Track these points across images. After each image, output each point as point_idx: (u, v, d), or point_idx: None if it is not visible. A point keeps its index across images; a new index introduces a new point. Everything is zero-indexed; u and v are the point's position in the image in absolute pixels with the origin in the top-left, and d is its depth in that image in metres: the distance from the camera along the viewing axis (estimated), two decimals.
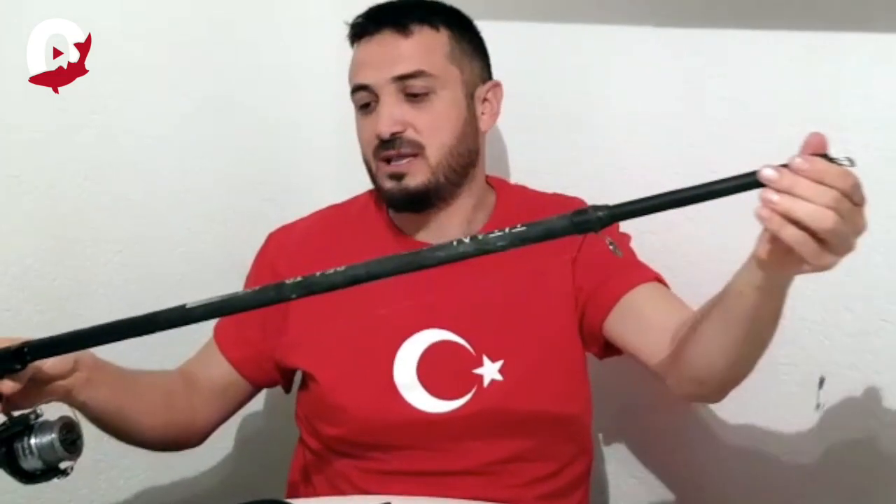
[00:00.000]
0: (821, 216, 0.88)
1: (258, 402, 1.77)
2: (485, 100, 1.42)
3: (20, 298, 1.54)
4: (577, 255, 1.37)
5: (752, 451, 1.49)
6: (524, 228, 0.93)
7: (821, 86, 1.34)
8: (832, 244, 0.90)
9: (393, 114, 1.34)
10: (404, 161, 1.35)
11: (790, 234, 0.89)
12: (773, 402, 1.44)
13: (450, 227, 1.40)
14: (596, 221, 0.91)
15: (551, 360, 1.37)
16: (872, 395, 1.35)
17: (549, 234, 0.93)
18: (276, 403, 1.67)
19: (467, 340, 1.36)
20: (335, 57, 1.82)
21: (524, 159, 1.66)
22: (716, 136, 1.45)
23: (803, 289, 1.33)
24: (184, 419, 1.42)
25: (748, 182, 0.90)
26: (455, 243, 0.94)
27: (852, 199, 0.90)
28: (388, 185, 1.37)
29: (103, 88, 1.58)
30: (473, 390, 1.34)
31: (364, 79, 1.37)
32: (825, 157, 0.90)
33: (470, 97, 1.40)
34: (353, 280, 0.97)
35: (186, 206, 1.73)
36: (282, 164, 1.87)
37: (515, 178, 1.63)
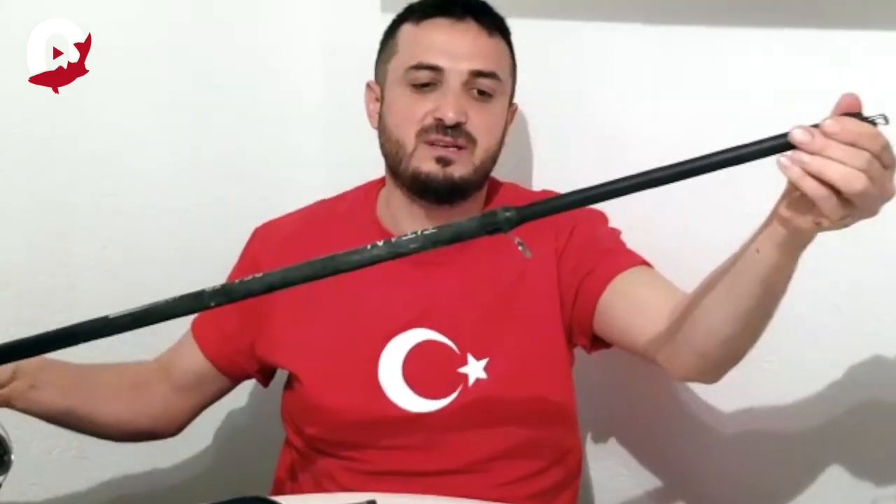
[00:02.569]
0: (853, 178, 0.88)
1: (247, 400, 1.78)
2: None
3: (4, 295, 1.54)
4: (564, 247, 1.37)
5: (740, 446, 1.50)
6: (435, 231, 0.94)
7: (821, 84, 1.34)
8: (858, 205, 0.90)
9: (461, 103, 1.34)
10: (456, 151, 1.34)
11: (811, 186, 0.89)
12: (758, 396, 1.45)
13: (447, 220, 1.39)
14: (504, 222, 0.92)
15: (536, 357, 1.37)
16: (856, 390, 1.36)
17: (459, 236, 0.95)
18: (265, 401, 1.67)
19: (452, 339, 1.36)
20: (320, 49, 1.85)
21: (514, 158, 1.66)
22: (712, 131, 1.45)
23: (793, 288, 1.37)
24: (156, 409, 1.45)
25: (778, 144, 0.89)
26: (369, 247, 0.95)
27: (882, 161, 0.89)
28: (431, 167, 1.34)
29: (86, 84, 1.57)
30: (459, 389, 1.34)
31: (438, 60, 1.35)
32: (858, 115, 0.90)
33: (506, 111, 1.42)
34: (269, 287, 0.97)
35: (171, 202, 1.73)
36: (267, 158, 1.86)
37: (506, 174, 1.63)
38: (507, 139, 1.43)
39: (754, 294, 1.08)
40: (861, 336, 1.35)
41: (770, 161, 0.91)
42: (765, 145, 0.90)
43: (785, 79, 1.38)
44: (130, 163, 1.67)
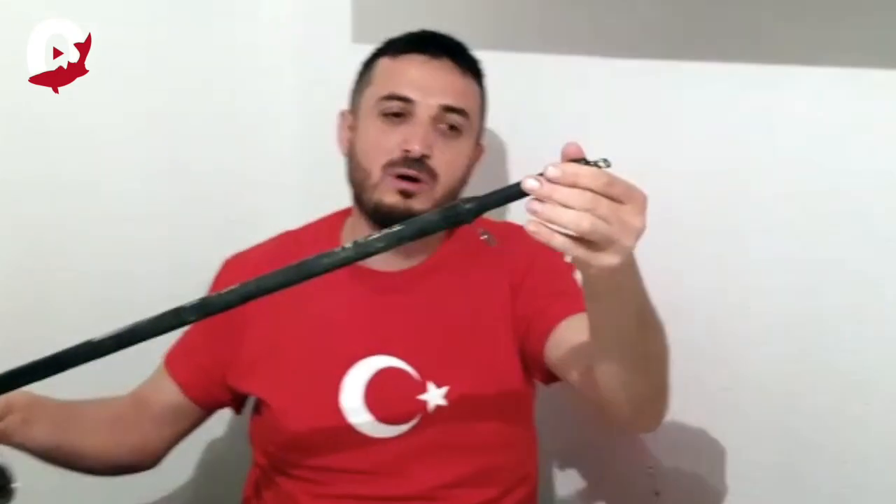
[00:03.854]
0: (579, 219, 0.88)
1: (219, 423, 1.80)
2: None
3: None
4: (521, 281, 1.40)
5: (698, 474, 1.52)
6: (401, 227, 0.95)
7: (774, 117, 1.38)
8: (600, 244, 0.91)
9: (429, 137, 1.38)
10: (417, 184, 1.37)
11: (559, 242, 0.90)
12: (715, 423, 1.48)
13: (410, 254, 1.44)
14: (466, 213, 0.93)
15: (495, 386, 1.39)
16: (806, 420, 1.39)
17: (424, 230, 0.95)
18: (236, 424, 1.69)
19: (413, 367, 1.38)
20: (293, 78, 1.88)
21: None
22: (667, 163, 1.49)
23: (745, 312, 1.40)
24: (134, 442, 1.46)
25: (514, 192, 0.91)
26: (339, 249, 0.96)
27: (611, 197, 0.90)
28: (392, 199, 1.37)
29: (64, 101, 1.59)
30: (419, 416, 1.37)
31: (410, 93, 1.39)
32: (582, 160, 0.91)
33: (472, 150, 1.45)
34: (245, 297, 0.99)
35: (150, 220, 1.76)
36: (242, 183, 1.89)
37: None
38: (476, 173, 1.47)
39: (606, 339, 1.10)
40: (815, 361, 1.38)
41: None
42: (504, 194, 0.92)
43: (741, 111, 1.42)
44: (108, 184, 1.70)
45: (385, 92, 1.41)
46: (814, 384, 1.39)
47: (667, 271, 1.46)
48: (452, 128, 1.40)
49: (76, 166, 1.67)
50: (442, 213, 0.94)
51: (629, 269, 0.99)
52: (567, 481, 1.69)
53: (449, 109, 1.40)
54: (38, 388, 1.17)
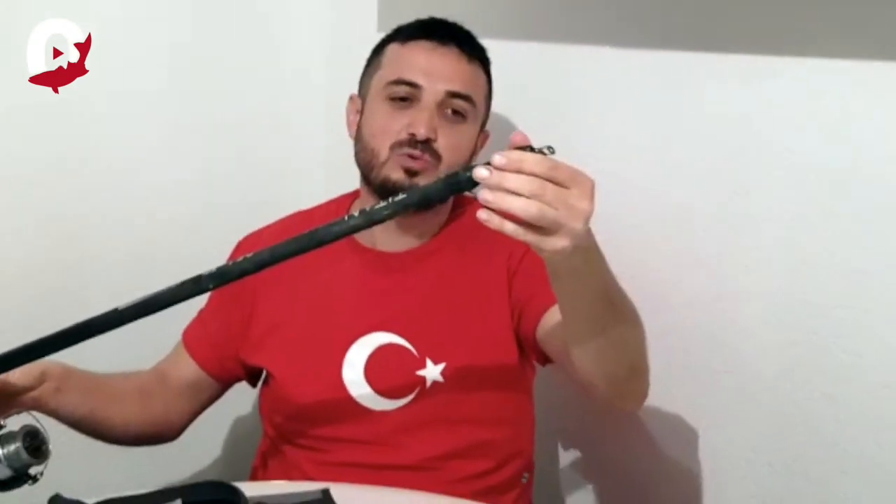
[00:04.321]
0: (524, 206, 0.92)
1: (235, 396, 1.88)
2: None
3: (15, 298, 1.69)
4: (517, 267, 1.45)
5: (693, 456, 1.55)
6: (405, 196, 0.98)
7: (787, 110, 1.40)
8: (549, 229, 0.95)
9: (434, 121, 1.43)
10: (421, 162, 1.43)
11: (510, 229, 0.94)
12: (710, 407, 1.52)
13: (413, 236, 1.50)
14: (466, 181, 0.96)
15: (490, 364, 1.45)
16: (798, 404, 1.41)
17: (427, 199, 1.00)
18: (251, 397, 1.77)
19: (412, 344, 1.44)
20: (322, 66, 1.96)
21: None
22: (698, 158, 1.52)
23: (741, 298, 1.43)
24: (158, 414, 1.53)
25: (466, 179, 0.95)
26: (348, 218, 1.00)
27: (556, 182, 0.94)
28: (399, 176, 1.43)
29: (92, 87, 1.68)
30: (417, 391, 1.43)
31: (417, 78, 1.44)
32: (527, 148, 0.95)
33: (477, 135, 1.51)
34: (259, 264, 1.04)
35: (174, 207, 1.86)
36: (271, 168, 1.97)
37: None
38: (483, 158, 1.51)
39: (573, 316, 1.15)
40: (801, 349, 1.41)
41: None
42: (452, 181, 0.96)
43: (748, 102, 1.44)
44: (136, 172, 1.81)
45: (393, 77, 1.46)
46: (809, 368, 1.41)
47: (668, 259, 1.52)
48: (457, 113, 1.46)
49: (104, 157, 1.77)
50: (444, 181, 0.98)
51: (587, 252, 1.04)
52: (567, 461, 1.75)
53: (454, 95, 1.45)
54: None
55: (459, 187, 0.97)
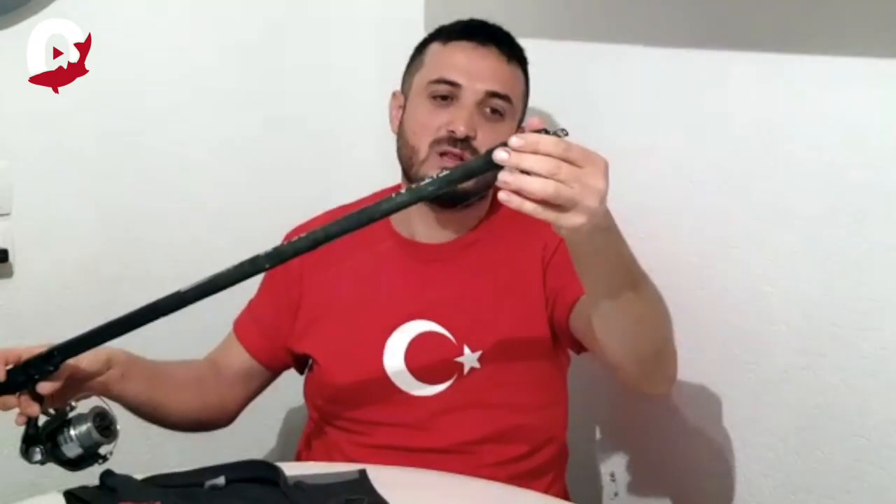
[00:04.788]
0: (542, 185, 0.99)
1: (284, 383, 1.96)
2: None
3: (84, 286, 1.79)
4: (550, 259, 1.50)
5: (725, 444, 1.58)
6: (448, 172, 1.05)
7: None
8: (565, 206, 1.01)
9: (473, 119, 1.49)
10: (461, 161, 1.47)
11: (529, 208, 1.01)
12: (739, 397, 1.55)
13: (452, 229, 1.55)
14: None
15: (525, 352, 1.50)
16: (824, 395, 1.44)
17: (470, 173, 1.05)
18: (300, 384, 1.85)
19: (450, 331, 1.50)
20: (374, 65, 2.03)
21: None
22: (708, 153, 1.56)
23: (768, 292, 1.47)
24: (213, 402, 1.60)
25: (486, 162, 1.01)
26: (395, 195, 1.07)
27: (571, 162, 1.00)
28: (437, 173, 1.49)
29: (158, 97, 1.81)
30: (454, 377, 1.49)
31: (458, 77, 1.50)
32: (542, 131, 1.01)
33: (514, 132, 1.56)
34: (314, 243, 1.10)
35: (235, 203, 1.95)
36: (326, 164, 2.06)
37: None
38: None
39: (599, 298, 1.21)
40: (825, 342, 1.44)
41: None
42: (473, 165, 1.03)
43: (787, 101, 1.46)
44: (198, 167, 1.91)
45: (434, 76, 1.52)
46: (833, 360, 1.43)
47: (698, 253, 1.56)
48: (496, 111, 1.51)
49: (167, 152, 1.88)
50: (485, 157, 1.04)
51: (607, 233, 1.10)
52: (600, 448, 1.80)
53: (493, 94, 1.50)
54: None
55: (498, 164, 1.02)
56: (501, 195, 1.01)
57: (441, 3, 1.92)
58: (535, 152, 0.99)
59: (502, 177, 1.00)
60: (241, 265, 1.13)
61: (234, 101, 1.94)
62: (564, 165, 1.00)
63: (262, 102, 1.97)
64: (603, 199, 1.03)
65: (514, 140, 1.00)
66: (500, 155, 1.00)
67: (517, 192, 1.00)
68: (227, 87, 1.92)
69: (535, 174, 0.99)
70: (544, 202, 1.00)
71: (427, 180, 1.05)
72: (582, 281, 1.20)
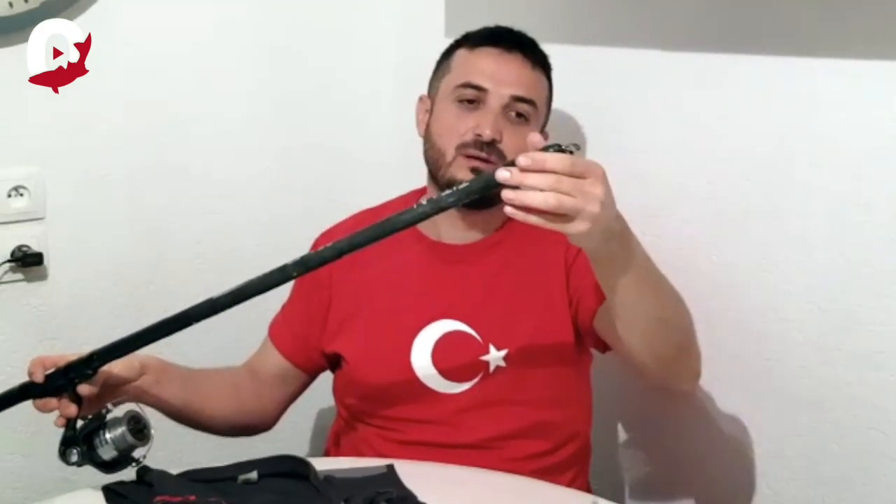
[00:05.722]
0: (545, 198, 1.04)
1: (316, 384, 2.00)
2: None
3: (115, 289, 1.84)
4: (573, 262, 1.54)
5: (745, 439, 1.61)
6: (468, 184, 1.11)
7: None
8: (569, 216, 1.06)
9: (499, 123, 1.53)
10: (487, 164, 1.51)
11: (534, 220, 1.06)
12: (760, 393, 1.58)
13: (477, 230, 1.59)
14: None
15: (549, 350, 1.53)
16: (840, 390, 1.47)
17: (489, 185, 1.10)
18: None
19: (476, 331, 1.54)
20: (392, 68, 2.07)
21: None
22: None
23: (786, 290, 1.50)
24: (253, 407, 1.64)
25: (491, 183, 1.06)
26: (417, 206, 1.13)
27: (574, 175, 1.05)
28: (465, 176, 1.49)
29: (182, 96, 1.85)
30: (480, 375, 1.53)
31: (484, 82, 1.54)
32: (554, 146, 1.06)
33: None
34: (339, 252, 1.15)
35: (257, 207, 2.00)
36: (346, 166, 2.10)
37: None
38: None
39: (617, 301, 1.25)
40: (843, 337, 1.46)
41: None
42: (476, 185, 1.09)
43: (785, 101, 1.50)
44: (219, 171, 1.95)
45: (461, 80, 1.56)
46: (850, 355, 1.46)
47: (718, 252, 1.59)
48: (520, 116, 1.55)
49: (194, 158, 1.93)
50: (503, 165, 1.08)
51: (622, 238, 1.15)
52: (623, 444, 1.83)
53: (518, 99, 1.54)
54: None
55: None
56: (507, 209, 1.06)
57: (462, 8, 1.96)
58: (542, 170, 1.05)
59: (505, 194, 1.06)
60: (270, 274, 1.17)
61: (261, 108, 1.99)
62: (565, 178, 1.05)
63: (285, 110, 2.02)
64: (604, 205, 1.08)
65: (522, 160, 1.05)
66: (501, 175, 1.06)
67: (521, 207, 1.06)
68: (251, 89, 1.97)
69: (539, 189, 1.04)
70: (549, 213, 1.06)
71: (447, 192, 1.11)
72: (601, 285, 1.25)
